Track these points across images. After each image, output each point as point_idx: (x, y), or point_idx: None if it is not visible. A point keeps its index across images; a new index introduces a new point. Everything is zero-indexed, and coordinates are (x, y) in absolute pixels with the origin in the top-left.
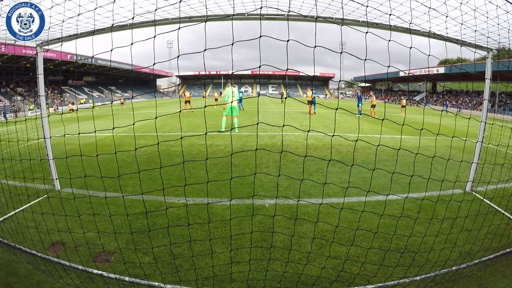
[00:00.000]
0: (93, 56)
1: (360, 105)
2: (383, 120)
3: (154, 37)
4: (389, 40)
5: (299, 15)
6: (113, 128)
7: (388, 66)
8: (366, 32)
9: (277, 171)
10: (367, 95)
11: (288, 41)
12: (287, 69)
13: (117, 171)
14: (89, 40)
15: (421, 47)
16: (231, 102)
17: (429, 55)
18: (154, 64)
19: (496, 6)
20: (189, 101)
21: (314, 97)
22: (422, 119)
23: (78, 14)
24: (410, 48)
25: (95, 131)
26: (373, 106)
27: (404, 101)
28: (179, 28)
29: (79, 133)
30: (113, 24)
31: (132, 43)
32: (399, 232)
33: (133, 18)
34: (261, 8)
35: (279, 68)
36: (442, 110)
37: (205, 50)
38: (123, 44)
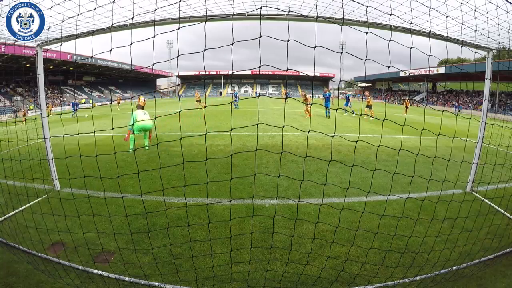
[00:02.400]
0: (92, 56)
1: (348, 105)
2: (383, 120)
3: (154, 37)
4: (390, 40)
5: (299, 15)
6: (113, 129)
7: (389, 66)
8: (367, 32)
9: (277, 171)
10: (360, 95)
11: (288, 41)
12: (287, 69)
13: (117, 171)
14: (89, 40)
15: (421, 47)
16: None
17: (429, 55)
18: (153, 64)
19: (496, 6)
20: (199, 100)
21: (329, 99)
22: (422, 119)
23: (78, 14)
24: (411, 48)
25: (94, 132)
26: (369, 106)
27: (407, 103)
28: (178, 28)
29: (78, 134)
30: (112, 24)
31: (131, 43)
32: (400, 232)
33: (132, 18)
34: (261, 8)
35: (279, 68)
36: (442, 111)
37: (204, 50)
38: (123, 44)
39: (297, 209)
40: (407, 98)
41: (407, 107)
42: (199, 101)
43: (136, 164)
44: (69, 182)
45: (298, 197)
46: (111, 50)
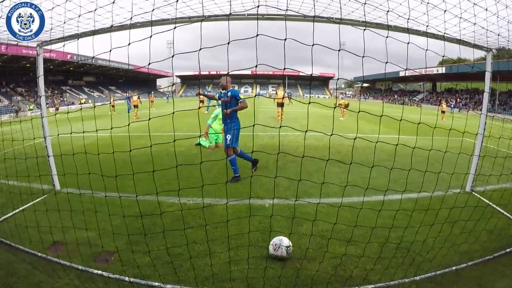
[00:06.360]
0: (93, 56)
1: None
2: (381, 116)
3: (151, 36)
4: (405, 45)
5: (299, 14)
6: (111, 128)
7: (386, 63)
8: (386, 37)
9: (277, 171)
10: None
11: (285, 39)
12: (284, 68)
13: (117, 171)
14: (89, 40)
15: (421, 46)
16: None
17: (426, 56)
18: (149, 63)
19: (496, 3)
20: (137, 106)
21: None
22: (422, 119)
23: (79, 15)
24: (424, 49)
25: (93, 131)
26: (346, 106)
27: (444, 106)
28: (174, 27)
29: (80, 134)
30: (112, 25)
31: (129, 43)
32: (399, 232)
33: (131, 18)
34: (258, 7)
35: (277, 68)
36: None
37: (200, 49)
38: (123, 44)
39: (297, 209)
40: (443, 102)
41: (443, 112)
42: (113, 106)
43: (139, 164)
44: (69, 182)
45: (296, 196)
46: (110, 51)
